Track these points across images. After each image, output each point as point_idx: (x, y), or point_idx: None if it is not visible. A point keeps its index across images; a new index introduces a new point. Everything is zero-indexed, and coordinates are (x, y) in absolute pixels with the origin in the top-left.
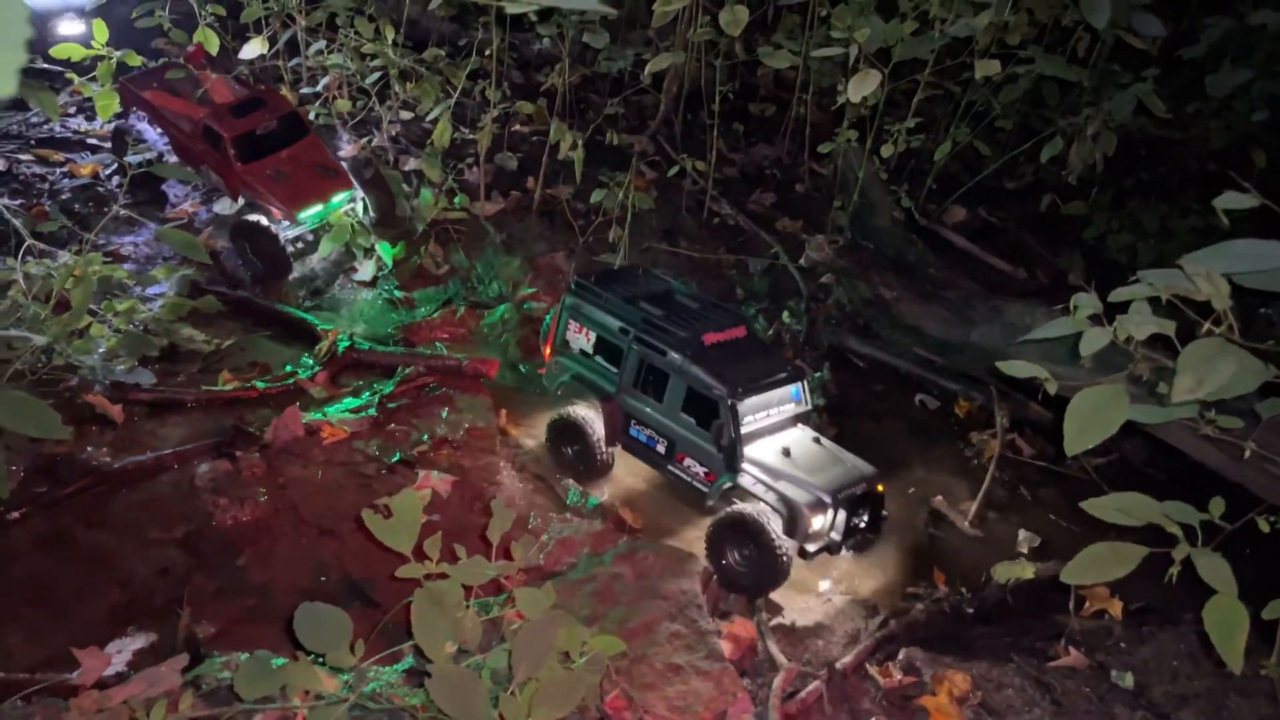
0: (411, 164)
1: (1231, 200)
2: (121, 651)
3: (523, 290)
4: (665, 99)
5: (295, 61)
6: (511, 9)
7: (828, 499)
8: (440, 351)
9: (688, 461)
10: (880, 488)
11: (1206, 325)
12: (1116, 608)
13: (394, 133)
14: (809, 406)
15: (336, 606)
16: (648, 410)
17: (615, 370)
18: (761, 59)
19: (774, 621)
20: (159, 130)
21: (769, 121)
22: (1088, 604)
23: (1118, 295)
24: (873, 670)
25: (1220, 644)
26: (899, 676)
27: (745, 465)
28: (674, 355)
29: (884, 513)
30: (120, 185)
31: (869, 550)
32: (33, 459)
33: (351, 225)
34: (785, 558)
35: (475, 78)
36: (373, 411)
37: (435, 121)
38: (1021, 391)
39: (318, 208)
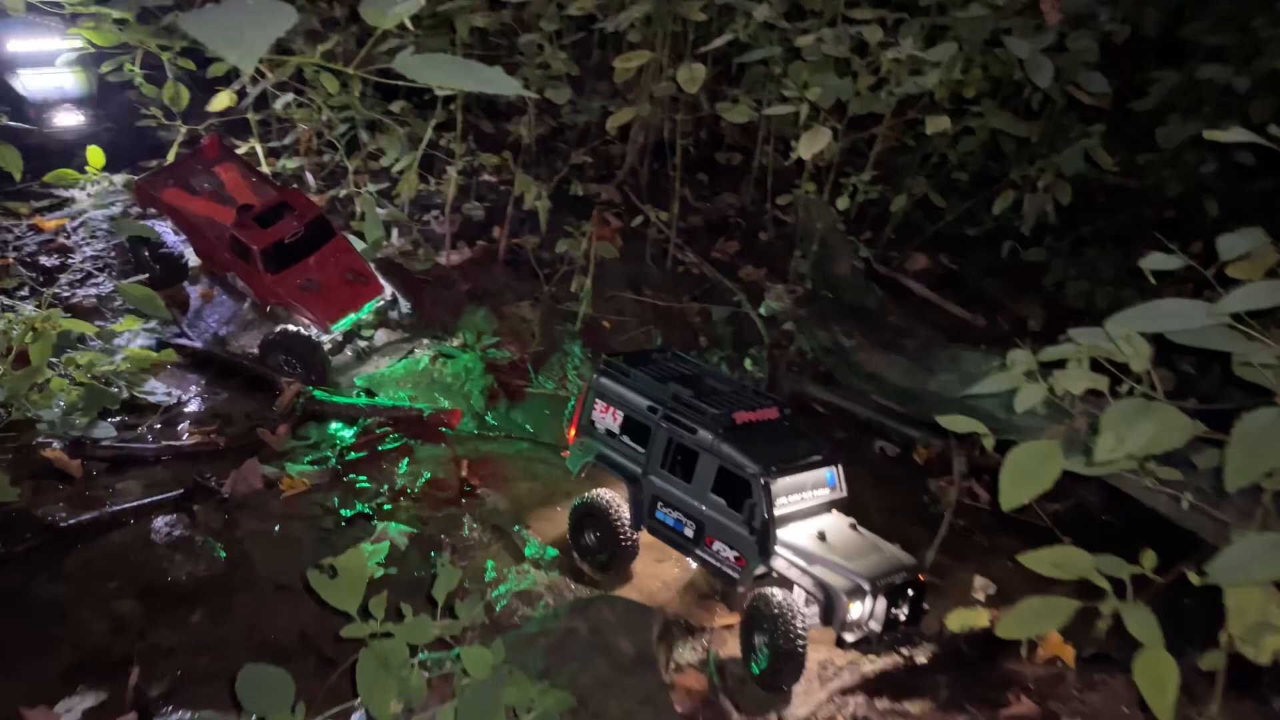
0: (382, 214)
1: (1158, 261)
2: (71, 711)
3: (485, 339)
4: (631, 149)
5: (263, 114)
6: (439, 90)
7: (867, 586)
8: (403, 403)
9: (717, 545)
10: (922, 577)
11: (1127, 384)
12: (1069, 654)
13: (361, 184)
14: (844, 493)
15: (285, 665)
16: (676, 492)
17: (642, 450)
18: (720, 114)
19: (727, 674)
20: (179, 233)
21: (734, 170)
22: (1040, 650)
23: (1046, 355)
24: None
25: (1150, 698)
26: None
27: (779, 549)
28: (704, 433)
29: (925, 605)
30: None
31: (910, 644)
32: None
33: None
34: (802, 648)
35: (442, 129)
36: (333, 463)
37: (402, 173)
38: (978, 439)
39: (350, 316)
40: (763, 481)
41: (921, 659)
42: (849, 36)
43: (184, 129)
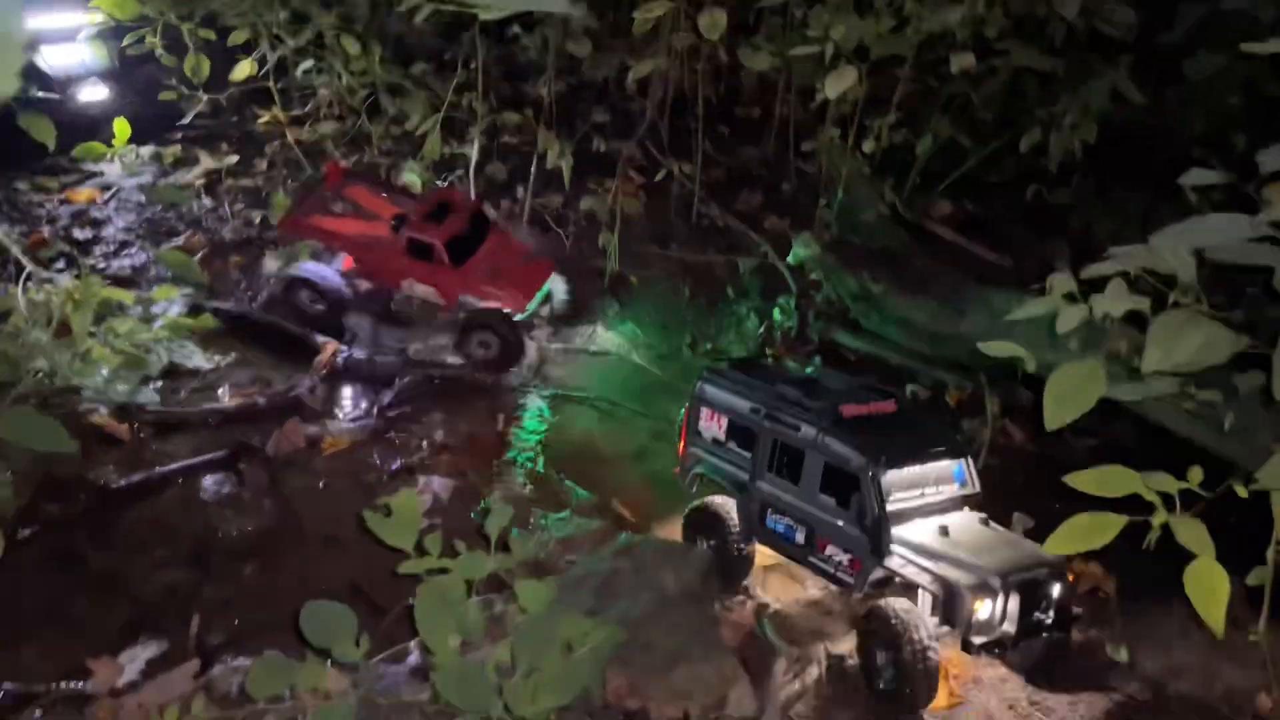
0: (404, 179)
1: (1199, 176)
2: (134, 660)
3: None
4: (651, 104)
5: (284, 82)
6: (485, 15)
7: (995, 582)
8: None
9: (829, 549)
10: (1071, 578)
11: (1173, 297)
12: (1110, 585)
13: (385, 148)
14: (976, 489)
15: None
16: (784, 496)
17: (749, 455)
18: (742, 60)
19: (774, 609)
20: (333, 265)
21: (755, 123)
22: (1083, 582)
23: (1090, 272)
24: None
25: (1202, 608)
26: None
27: (895, 546)
28: (808, 429)
29: (1076, 609)
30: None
31: (1062, 657)
32: (41, 479)
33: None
34: (933, 664)
35: (463, 90)
36: (372, 420)
37: (425, 135)
38: (1010, 378)
39: (538, 295)
40: (870, 473)
41: None
42: None
43: (205, 98)
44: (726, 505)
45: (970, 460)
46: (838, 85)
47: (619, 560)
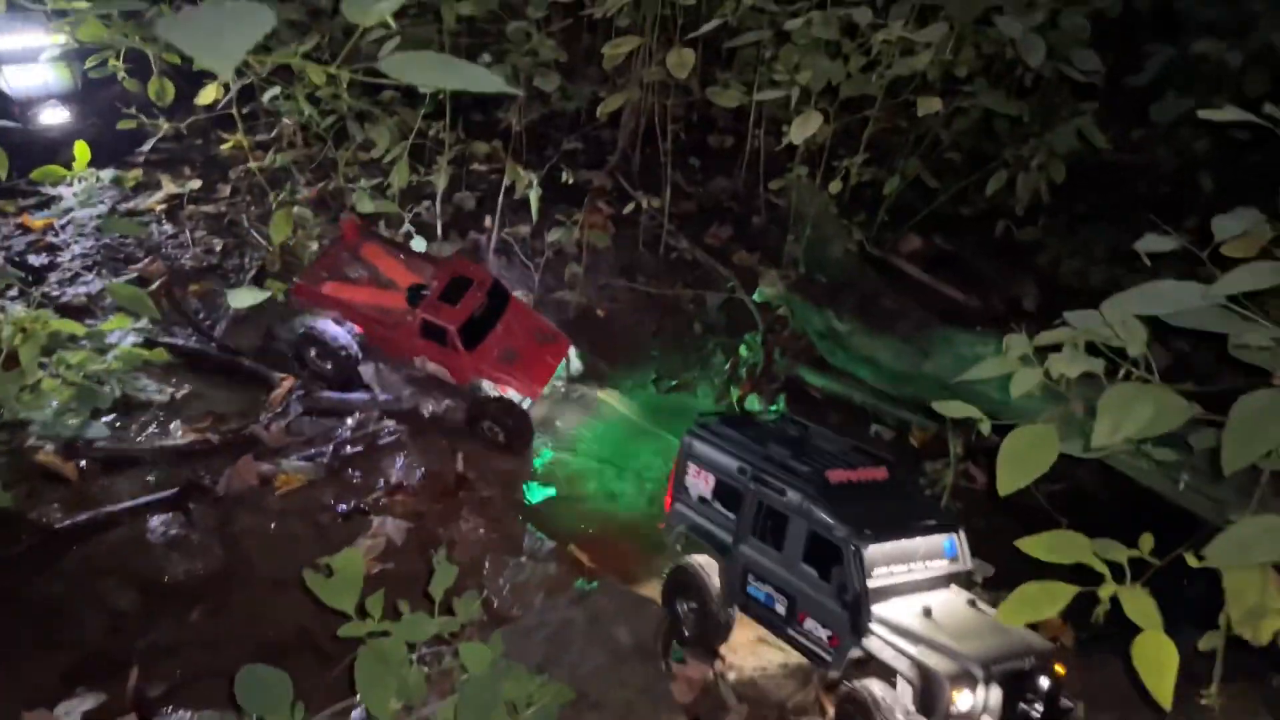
0: (370, 208)
1: (1152, 243)
2: (70, 713)
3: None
4: (622, 135)
5: (250, 107)
6: (423, 88)
7: (977, 671)
8: None
9: (809, 623)
10: (1060, 670)
11: (1125, 368)
12: (1069, 636)
13: (351, 175)
14: (967, 566)
15: (284, 662)
16: (767, 562)
17: (734, 517)
18: (711, 98)
19: (730, 666)
20: (340, 323)
21: (727, 154)
22: (1041, 632)
23: (1041, 340)
24: (827, 703)
25: (1149, 681)
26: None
27: (874, 626)
28: (794, 494)
29: (1070, 704)
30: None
31: None
32: None
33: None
34: None
35: (431, 118)
36: (328, 458)
37: (393, 164)
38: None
39: (552, 379)
40: (853, 547)
41: None
42: (838, 19)
43: (167, 125)
44: (708, 567)
45: (962, 535)
46: (803, 130)
47: (572, 610)
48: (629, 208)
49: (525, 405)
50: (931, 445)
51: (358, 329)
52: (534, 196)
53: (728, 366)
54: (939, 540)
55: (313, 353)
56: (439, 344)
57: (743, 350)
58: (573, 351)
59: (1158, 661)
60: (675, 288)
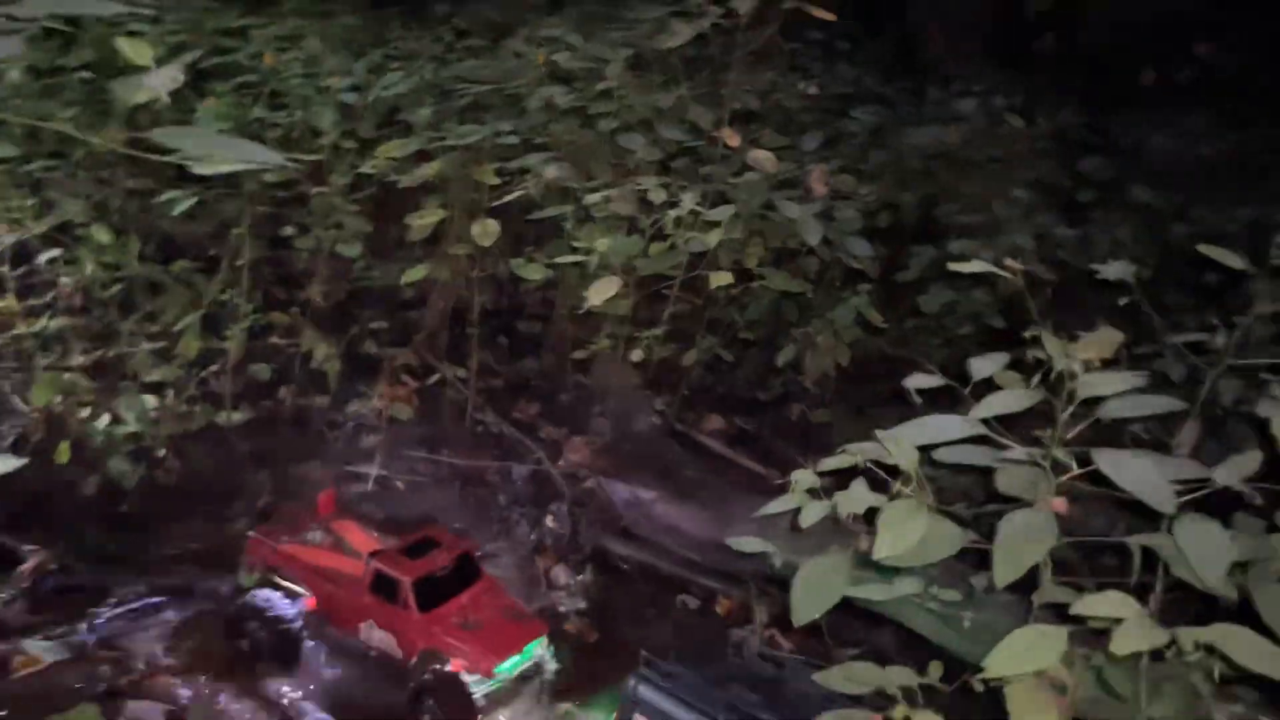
0: (154, 375)
1: (920, 381)
2: None
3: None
4: (431, 313)
5: (22, 270)
6: (200, 170)
7: None
8: None
9: None
10: None
11: (896, 487)
12: None
13: (133, 345)
14: None
15: None
16: None
17: None
18: (516, 271)
19: None
20: (288, 593)
21: (534, 337)
22: None
23: (825, 465)
24: None
25: None
26: None
27: None
28: None
29: None
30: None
31: None
32: None
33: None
34: None
35: (227, 289)
36: (80, 638)
37: (182, 332)
38: (778, 587)
39: (514, 659)
40: None
41: None
42: (635, 194)
43: None
44: None
45: None
46: (601, 293)
47: None
48: (434, 378)
49: (476, 693)
50: (737, 612)
51: (307, 604)
52: (331, 368)
53: (532, 537)
54: None
55: (253, 625)
56: (389, 602)
57: (549, 521)
58: (549, 650)
59: None
60: (481, 460)
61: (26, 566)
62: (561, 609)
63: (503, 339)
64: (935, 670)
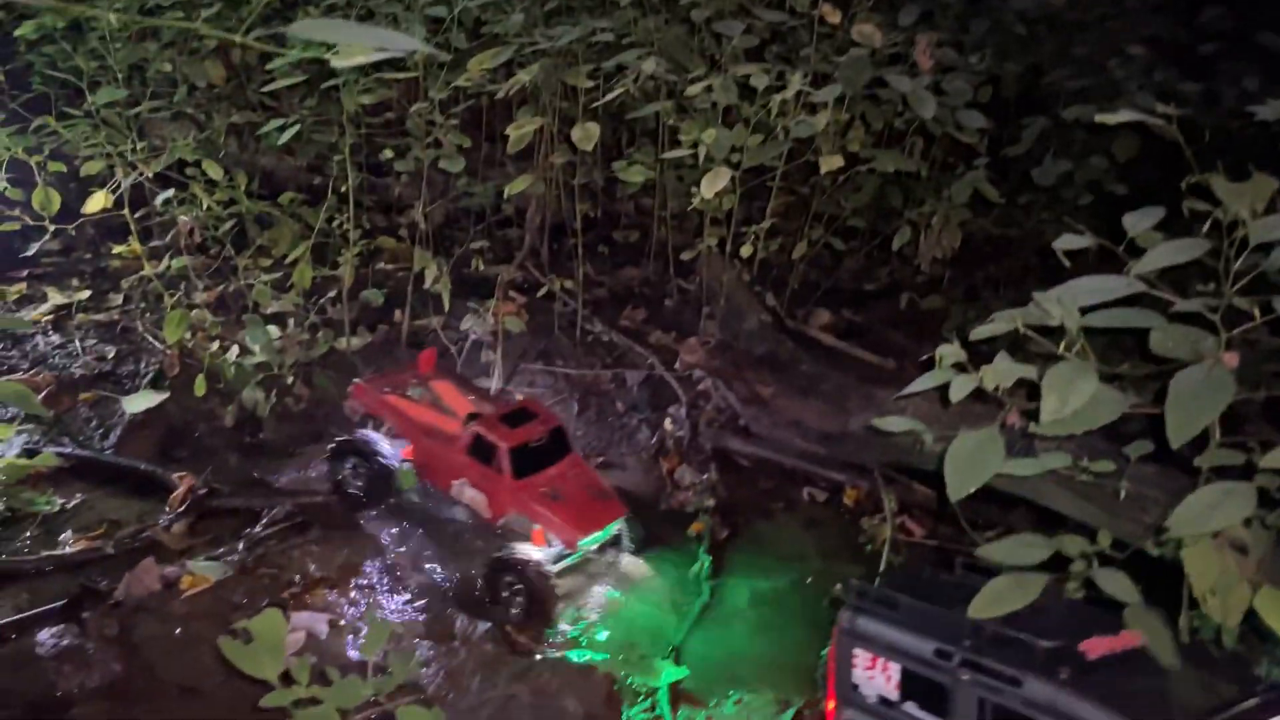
0: (273, 307)
1: (1069, 241)
2: None
3: None
4: (530, 230)
5: (141, 213)
6: (338, 64)
7: None
8: None
9: None
10: None
11: (1060, 349)
12: None
13: (251, 278)
14: None
15: None
16: None
17: None
18: (618, 174)
19: None
20: (390, 439)
21: (633, 247)
22: None
23: (978, 333)
24: None
25: (1152, 644)
26: None
27: None
28: (1036, 684)
29: None
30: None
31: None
32: None
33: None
34: None
35: (333, 219)
36: (238, 557)
37: (294, 263)
38: (905, 475)
39: (596, 534)
40: None
41: None
42: (735, 82)
43: (53, 227)
44: None
45: None
46: (713, 185)
47: (514, 686)
48: (542, 292)
49: (554, 565)
50: (865, 502)
51: (403, 453)
52: (444, 287)
53: (653, 441)
54: None
55: (350, 463)
56: (484, 464)
57: (668, 424)
58: (625, 526)
59: (1150, 628)
60: (594, 369)
61: (178, 492)
62: (689, 509)
63: (603, 248)
64: (1105, 538)
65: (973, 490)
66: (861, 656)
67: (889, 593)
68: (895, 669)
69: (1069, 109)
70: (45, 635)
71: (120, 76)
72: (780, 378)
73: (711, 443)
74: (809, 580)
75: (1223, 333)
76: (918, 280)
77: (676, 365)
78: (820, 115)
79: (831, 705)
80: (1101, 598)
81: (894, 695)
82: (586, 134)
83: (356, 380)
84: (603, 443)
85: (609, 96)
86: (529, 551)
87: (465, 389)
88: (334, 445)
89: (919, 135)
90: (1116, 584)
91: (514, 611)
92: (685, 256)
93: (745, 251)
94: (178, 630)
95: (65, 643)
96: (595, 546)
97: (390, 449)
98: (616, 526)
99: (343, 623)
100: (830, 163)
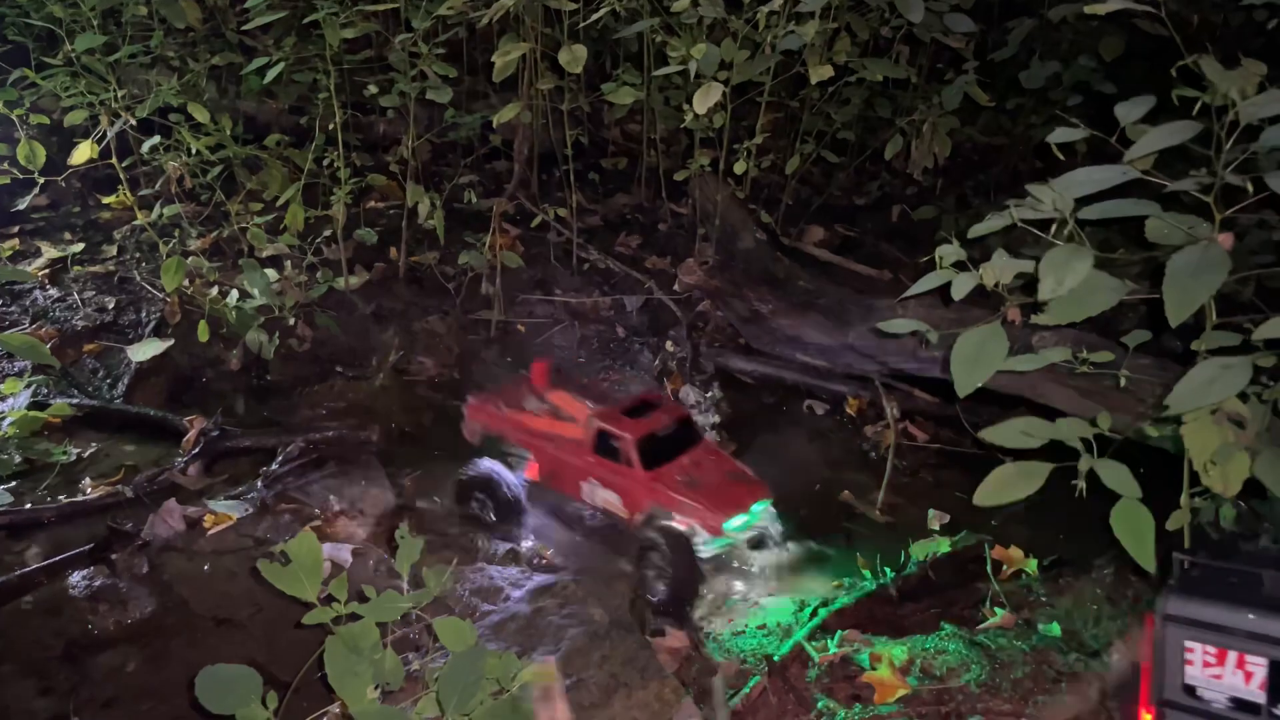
0: (268, 250)
1: (1064, 135)
2: None
3: (392, 356)
4: (518, 161)
5: (128, 161)
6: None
7: None
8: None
9: None
10: None
11: (1053, 231)
12: (1032, 566)
13: (244, 222)
14: None
15: None
16: None
17: None
18: (606, 96)
19: (706, 630)
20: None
21: (623, 174)
22: (1005, 568)
23: (975, 231)
24: (810, 648)
25: (1130, 546)
26: (838, 654)
27: None
28: None
29: None
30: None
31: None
32: None
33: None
34: None
35: (321, 160)
36: (257, 494)
37: (287, 205)
38: (905, 382)
39: (742, 518)
40: None
41: (893, 591)
42: None
43: (41, 180)
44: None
45: None
46: (705, 100)
47: (540, 599)
48: (535, 223)
49: (701, 551)
50: (867, 412)
51: (527, 474)
52: (438, 221)
53: (656, 363)
54: None
55: (480, 495)
56: (612, 460)
57: (669, 346)
58: (773, 511)
59: (1137, 527)
60: (592, 296)
61: (190, 435)
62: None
63: (593, 176)
64: (1104, 420)
65: (980, 384)
66: (1200, 651)
67: (1215, 571)
68: (1262, 664)
69: (1055, 9)
70: (77, 577)
71: (95, 23)
72: (778, 294)
73: (713, 362)
74: (817, 488)
75: (1217, 215)
76: (908, 192)
77: (675, 287)
78: (809, 24)
79: (1146, 711)
80: None
81: (1262, 696)
82: (574, 56)
83: (470, 398)
84: (606, 369)
85: (594, 16)
86: (674, 533)
87: (583, 394)
88: (458, 486)
89: (906, 44)
90: (1116, 478)
91: (655, 583)
92: (678, 178)
93: (739, 169)
94: (206, 566)
95: (98, 583)
96: (744, 533)
97: (514, 476)
98: (762, 509)
99: (365, 553)
100: (820, 73)
